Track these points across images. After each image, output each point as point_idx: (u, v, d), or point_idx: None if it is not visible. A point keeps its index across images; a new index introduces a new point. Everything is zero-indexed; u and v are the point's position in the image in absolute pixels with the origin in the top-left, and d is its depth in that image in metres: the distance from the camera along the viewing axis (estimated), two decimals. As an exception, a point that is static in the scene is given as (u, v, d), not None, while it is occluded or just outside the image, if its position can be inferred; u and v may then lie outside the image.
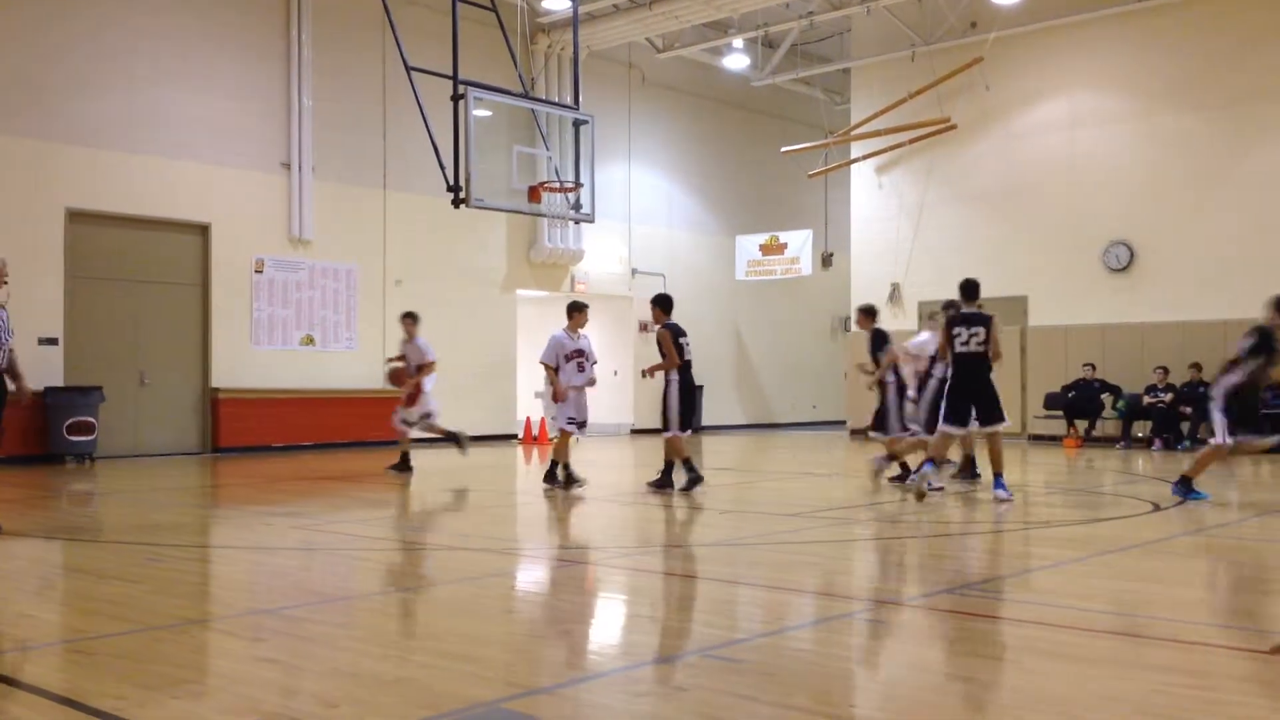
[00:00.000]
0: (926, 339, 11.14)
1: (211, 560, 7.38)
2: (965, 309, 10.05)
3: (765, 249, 22.91)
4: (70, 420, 14.54)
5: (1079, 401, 18.15)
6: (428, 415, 12.60)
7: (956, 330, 9.86)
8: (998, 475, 9.77)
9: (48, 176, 14.93)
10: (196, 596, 6.00)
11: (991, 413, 9.83)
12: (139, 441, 15.88)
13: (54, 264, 15.08)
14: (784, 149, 22.95)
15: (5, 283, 7.89)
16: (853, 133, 21.80)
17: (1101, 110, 19.10)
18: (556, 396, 11.29)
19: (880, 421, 11.30)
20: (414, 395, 12.50)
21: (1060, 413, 18.41)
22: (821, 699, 3.80)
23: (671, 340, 10.83)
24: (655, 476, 10.94)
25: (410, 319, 12.88)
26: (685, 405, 10.82)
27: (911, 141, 20.74)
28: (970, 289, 10.14)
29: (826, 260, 24.94)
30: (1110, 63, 19.05)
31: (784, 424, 25.62)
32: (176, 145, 16.22)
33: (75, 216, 15.27)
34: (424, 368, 12.56)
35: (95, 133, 15.36)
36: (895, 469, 11.26)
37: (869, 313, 11.91)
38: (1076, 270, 19.07)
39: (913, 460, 10.98)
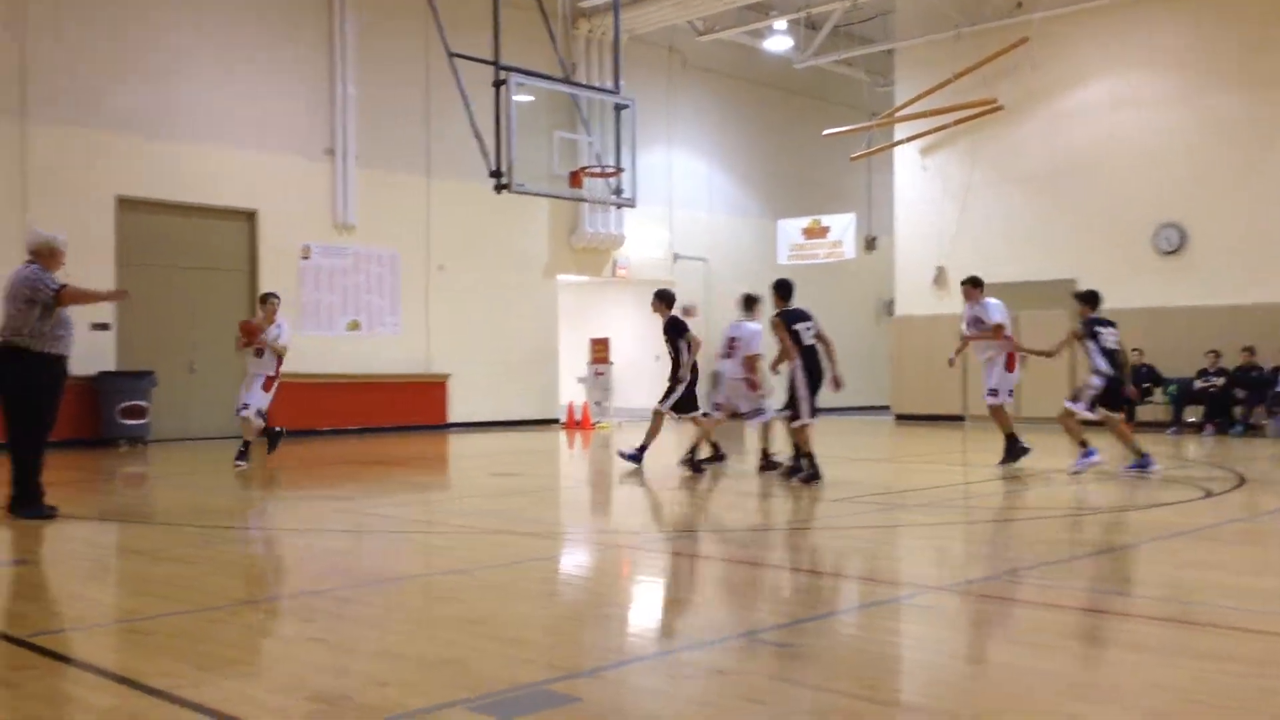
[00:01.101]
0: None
1: (261, 542, 7.49)
2: (1094, 314, 10.85)
3: (808, 233, 22.78)
4: (123, 404, 14.80)
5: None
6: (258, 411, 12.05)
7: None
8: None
9: (98, 165, 15.16)
10: (247, 578, 6.09)
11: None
12: (189, 425, 16.13)
13: (105, 251, 15.33)
14: (826, 131, 22.79)
15: (63, 265, 8.01)
16: (896, 115, 21.59)
17: (1150, 90, 18.77)
18: (754, 385, 11.36)
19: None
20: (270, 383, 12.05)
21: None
22: (866, 684, 3.79)
23: (785, 327, 10.65)
24: (787, 467, 10.70)
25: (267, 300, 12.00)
26: (812, 392, 10.65)
27: (956, 123, 20.51)
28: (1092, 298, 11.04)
29: (870, 244, 24.77)
30: (1159, 42, 18.71)
31: (827, 409, 25.48)
32: (223, 133, 16.41)
33: (125, 204, 15.51)
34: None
35: (144, 122, 15.57)
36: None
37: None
38: (1125, 253, 18.78)
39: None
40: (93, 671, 4.02)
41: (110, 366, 15.16)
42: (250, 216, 16.84)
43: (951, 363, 12.70)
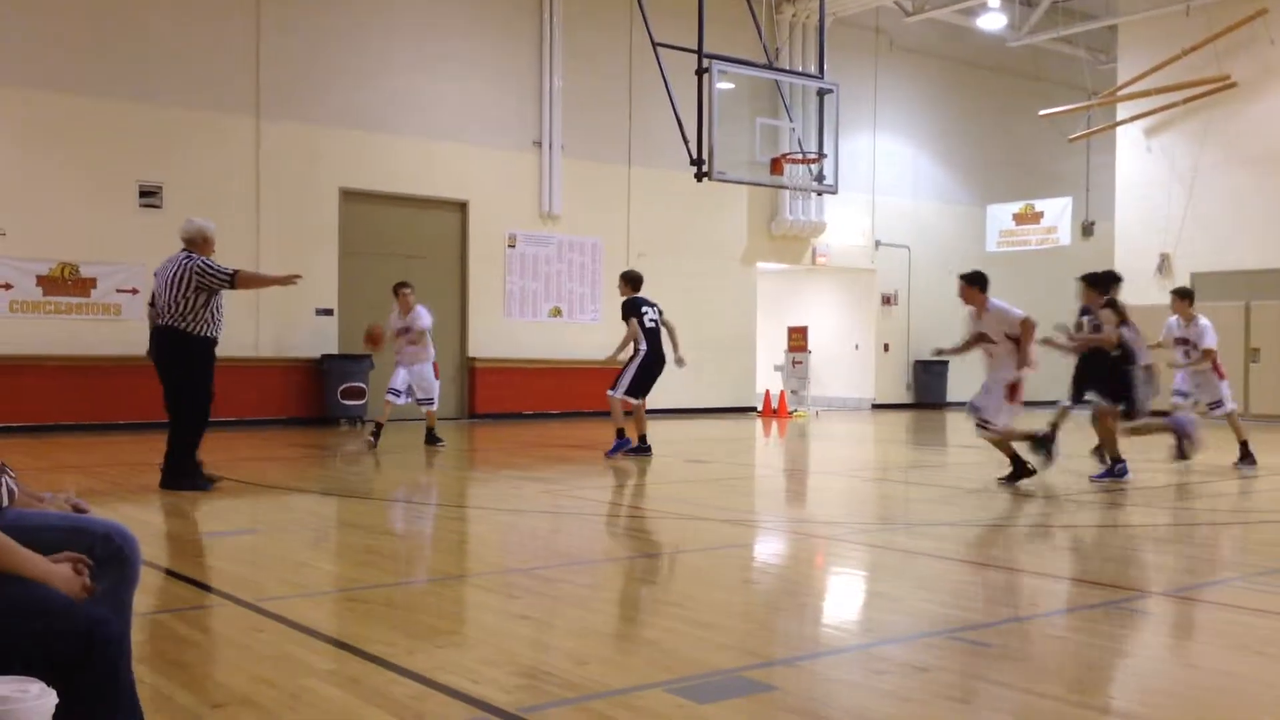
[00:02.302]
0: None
1: (469, 520, 7.79)
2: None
3: (1019, 218, 21.91)
4: (343, 386, 15.69)
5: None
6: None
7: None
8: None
9: (322, 158, 16.09)
10: (456, 553, 6.36)
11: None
12: (403, 407, 16.92)
13: (329, 240, 16.27)
14: (1042, 112, 21.84)
15: (214, 251, 8.42)
16: (1119, 93, 20.47)
17: None
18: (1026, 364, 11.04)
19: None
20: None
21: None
22: (1075, 688, 3.64)
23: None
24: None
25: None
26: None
27: (1185, 101, 19.27)
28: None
29: (1087, 229, 23.62)
30: None
31: (1037, 402, 24.49)
32: (437, 127, 17.12)
33: (347, 195, 16.40)
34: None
35: (363, 116, 16.41)
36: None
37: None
38: (1377, 238, 17.25)
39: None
40: (316, 636, 4.29)
41: (333, 350, 16.08)
42: (462, 206, 17.51)
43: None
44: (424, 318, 12.18)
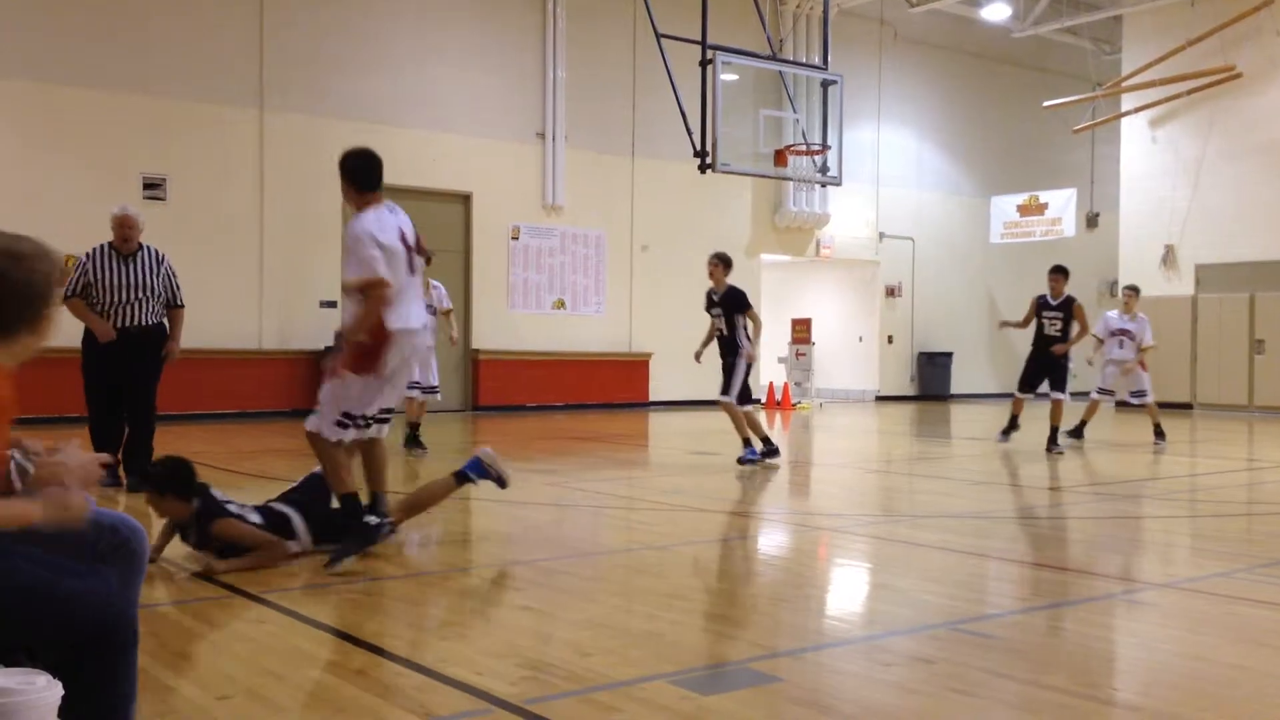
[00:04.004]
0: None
1: (473, 512, 7.79)
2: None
3: (1023, 210, 21.86)
4: (347, 378, 15.67)
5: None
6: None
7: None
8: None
9: (325, 150, 15.99)
10: (460, 546, 6.36)
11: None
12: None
13: (333, 232, 16.24)
14: (1047, 103, 21.78)
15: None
16: (1124, 84, 20.41)
17: None
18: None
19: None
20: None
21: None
22: (1080, 679, 3.64)
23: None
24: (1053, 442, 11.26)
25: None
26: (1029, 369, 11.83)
27: (1190, 92, 19.21)
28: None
29: (1092, 221, 23.58)
30: None
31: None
32: (440, 119, 17.10)
33: (351, 188, 16.36)
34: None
35: (366, 108, 16.39)
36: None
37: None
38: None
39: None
40: (321, 628, 4.29)
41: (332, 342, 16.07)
42: (465, 199, 17.50)
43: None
44: (446, 296, 11.18)
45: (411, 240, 5.47)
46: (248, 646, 4.04)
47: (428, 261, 5.92)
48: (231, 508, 5.28)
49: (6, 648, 2.28)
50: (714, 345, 10.15)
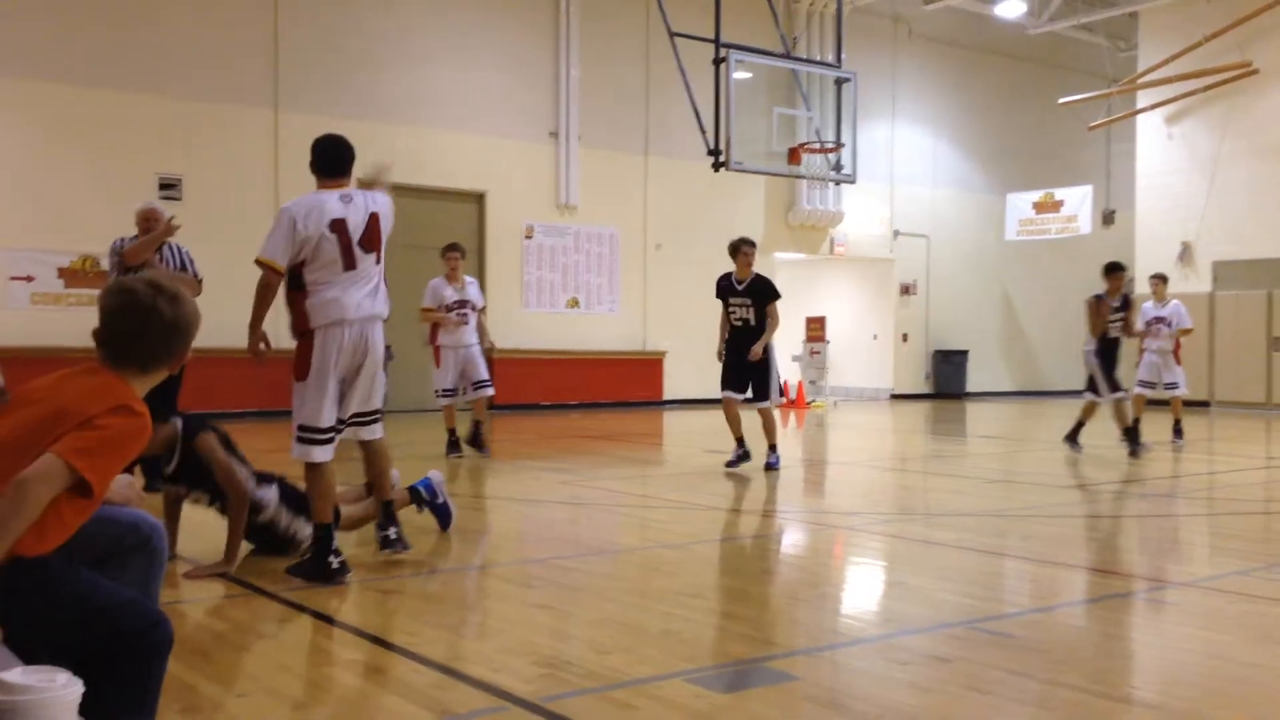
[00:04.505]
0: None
1: (488, 510, 7.82)
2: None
3: (1039, 207, 21.78)
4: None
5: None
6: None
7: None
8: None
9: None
10: (475, 544, 6.38)
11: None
12: (425, 397, 16.96)
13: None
14: (1062, 100, 21.68)
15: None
16: (1139, 81, 20.31)
17: None
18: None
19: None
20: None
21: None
22: (1097, 678, 3.62)
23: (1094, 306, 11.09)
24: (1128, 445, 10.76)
25: None
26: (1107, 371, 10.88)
27: (1206, 89, 19.10)
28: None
29: (1108, 218, 23.48)
30: None
31: (1056, 391, 24.41)
32: (454, 118, 17.12)
33: (365, 187, 16.40)
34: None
35: (380, 108, 16.43)
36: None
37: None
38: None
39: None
40: (340, 626, 4.31)
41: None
42: (479, 198, 17.52)
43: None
44: (480, 294, 10.75)
45: (357, 231, 5.10)
46: (267, 644, 4.06)
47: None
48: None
49: (41, 648, 2.31)
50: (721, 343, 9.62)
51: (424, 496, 6.09)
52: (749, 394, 9.46)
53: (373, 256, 5.22)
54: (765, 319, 9.25)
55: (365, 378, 5.20)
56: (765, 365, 9.28)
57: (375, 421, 5.37)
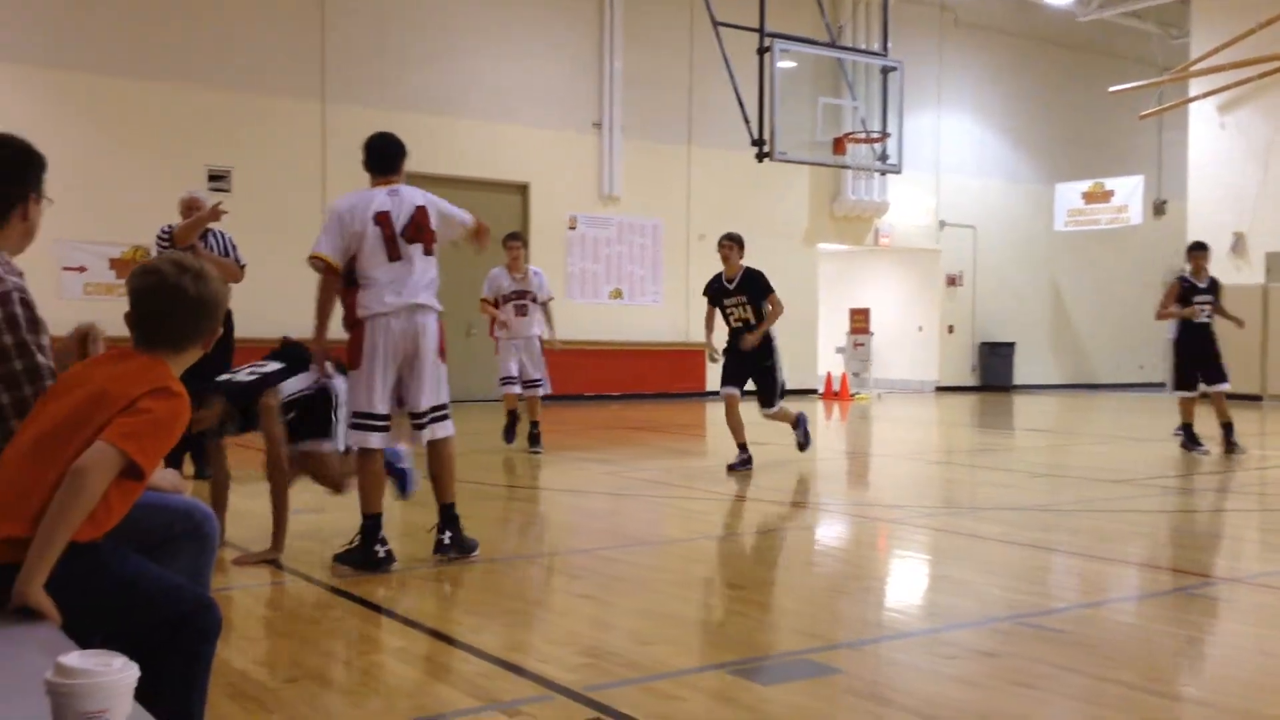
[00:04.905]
0: None
1: (533, 500, 7.86)
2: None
3: (1089, 197, 21.47)
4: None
5: None
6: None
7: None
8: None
9: (388, 142, 16.22)
10: (520, 534, 6.42)
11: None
12: (470, 386, 17.07)
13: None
14: (1112, 89, 21.34)
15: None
16: (1191, 69, 19.94)
17: None
18: None
19: None
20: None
21: None
22: (1148, 675, 3.58)
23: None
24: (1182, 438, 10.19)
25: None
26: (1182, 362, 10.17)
27: (1260, 77, 18.71)
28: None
29: (1159, 208, 23.11)
30: None
31: (1106, 385, 24.09)
32: (498, 109, 17.19)
33: (410, 179, 16.46)
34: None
35: (425, 99, 16.52)
36: None
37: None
38: None
39: None
40: (386, 614, 4.36)
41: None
42: (523, 189, 17.58)
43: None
44: (548, 285, 10.39)
45: (399, 222, 5.19)
46: (315, 630, 4.12)
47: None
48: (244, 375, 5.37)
49: (93, 634, 2.35)
50: (713, 341, 9.40)
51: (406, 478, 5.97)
52: (749, 392, 9.11)
53: (418, 247, 5.28)
54: (764, 315, 8.95)
55: (422, 368, 5.15)
56: (769, 367, 8.97)
57: (442, 419, 5.26)
